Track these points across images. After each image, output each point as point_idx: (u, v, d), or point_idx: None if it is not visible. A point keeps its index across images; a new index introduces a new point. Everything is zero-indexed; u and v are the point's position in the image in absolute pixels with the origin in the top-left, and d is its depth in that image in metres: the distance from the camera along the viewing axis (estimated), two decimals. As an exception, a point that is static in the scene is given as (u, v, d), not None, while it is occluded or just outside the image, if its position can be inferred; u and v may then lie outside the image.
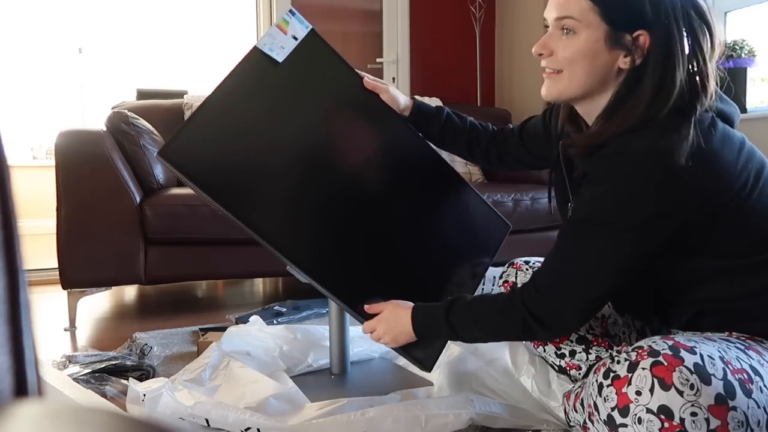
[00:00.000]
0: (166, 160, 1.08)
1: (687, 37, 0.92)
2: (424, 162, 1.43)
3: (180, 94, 2.92)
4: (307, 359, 1.48)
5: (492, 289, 1.55)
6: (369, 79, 1.32)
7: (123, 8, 5.81)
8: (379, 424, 1.11)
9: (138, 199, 2.09)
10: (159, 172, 2.23)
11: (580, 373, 1.24)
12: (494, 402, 1.20)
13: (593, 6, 0.93)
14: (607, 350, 1.21)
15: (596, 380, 0.85)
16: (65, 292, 2.05)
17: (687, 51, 0.92)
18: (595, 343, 1.22)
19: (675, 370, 0.75)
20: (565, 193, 1.11)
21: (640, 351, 0.80)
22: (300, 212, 1.22)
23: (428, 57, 3.67)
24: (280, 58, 1.24)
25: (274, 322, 1.96)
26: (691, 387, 0.74)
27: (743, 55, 3.31)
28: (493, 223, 1.52)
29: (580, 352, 1.23)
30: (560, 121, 1.14)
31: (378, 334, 1.15)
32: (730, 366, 0.78)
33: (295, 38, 1.26)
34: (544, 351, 1.28)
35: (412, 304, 1.15)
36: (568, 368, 1.25)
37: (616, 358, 0.84)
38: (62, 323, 2.09)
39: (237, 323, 1.84)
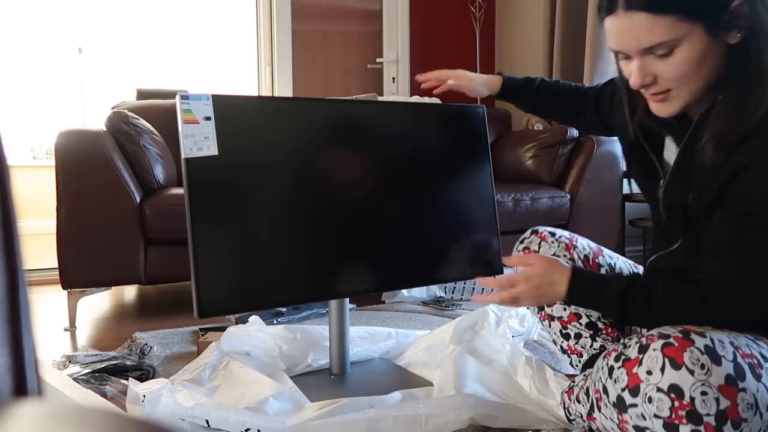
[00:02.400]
0: (210, 316, 1.17)
1: None
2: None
3: (180, 94, 2.91)
4: (307, 359, 1.48)
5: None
6: (432, 76, 1.38)
7: (123, 8, 5.81)
8: (379, 424, 1.11)
9: (138, 199, 2.09)
10: (159, 172, 2.23)
11: (580, 361, 1.21)
12: (494, 402, 1.21)
13: (677, 17, 0.84)
14: (613, 341, 1.19)
15: (606, 364, 0.85)
16: (65, 292, 2.05)
17: None
18: (604, 332, 1.19)
19: (686, 350, 0.75)
20: (652, 171, 1.04)
21: (650, 336, 0.81)
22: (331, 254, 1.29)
23: (428, 57, 3.67)
24: (214, 150, 1.16)
25: (274, 322, 1.96)
26: (702, 366, 0.74)
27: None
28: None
29: (585, 337, 1.19)
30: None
31: (520, 292, 1.01)
32: (740, 350, 0.78)
33: (208, 118, 1.17)
34: (550, 326, 1.24)
35: (563, 264, 1.03)
36: (569, 351, 1.22)
37: (627, 344, 0.84)
38: (62, 323, 2.09)
39: (237, 323, 1.84)
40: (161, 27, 5.87)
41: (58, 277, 2.00)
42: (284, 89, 3.44)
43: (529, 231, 1.31)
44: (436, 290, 2.41)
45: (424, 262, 1.43)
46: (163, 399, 1.18)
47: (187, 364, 1.46)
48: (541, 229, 1.30)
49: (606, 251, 1.29)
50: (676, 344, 0.76)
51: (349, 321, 1.45)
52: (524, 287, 1.02)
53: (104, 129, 2.17)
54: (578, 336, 1.21)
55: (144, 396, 1.20)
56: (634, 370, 0.79)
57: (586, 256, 1.23)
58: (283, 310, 2.07)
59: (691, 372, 0.74)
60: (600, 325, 1.19)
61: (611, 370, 0.84)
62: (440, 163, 1.47)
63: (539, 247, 1.27)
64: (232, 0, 5.59)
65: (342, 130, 1.37)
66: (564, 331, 1.22)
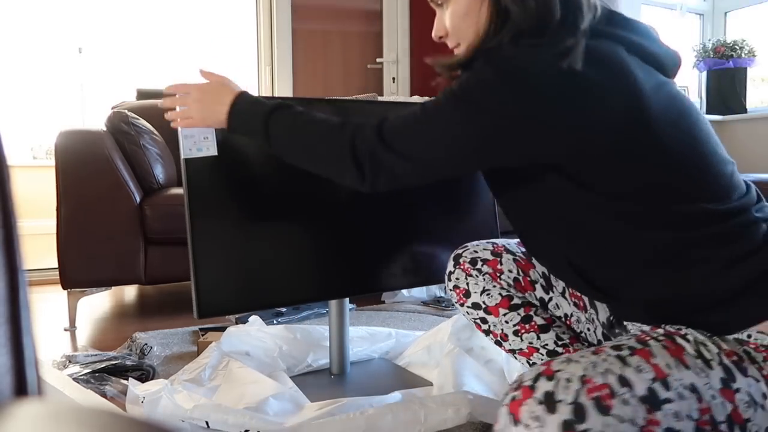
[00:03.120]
0: (210, 316, 1.17)
1: None
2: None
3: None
4: (307, 359, 1.48)
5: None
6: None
7: (123, 8, 5.82)
8: (378, 422, 1.11)
9: (138, 199, 2.09)
10: (159, 172, 2.23)
11: None
12: (492, 399, 1.21)
13: None
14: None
15: None
16: (65, 292, 2.05)
17: None
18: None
19: (524, 404, 0.72)
20: None
21: (522, 380, 0.77)
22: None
23: (428, 57, 3.66)
24: (214, 150, 1.18)
25: (274, 322, 1.96)
26: (536, 419, 0.71)
27: (743, 55, 3.31)
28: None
29: None
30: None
31: (191, 100, 1.11)
32: (588, 384, 0.73)
33: None
34: (516, 358, 1.20)
35: (236, 88, 1.12)
36: None
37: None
38: (62, 323, 2.09)
39: (237, 323, 1.84)
40: (161, 27, 5.87)
41: (58, 277, 2.00)
42: (284, 89, 3.44)
43: (452, 260, 1.19)
44: (436, 290, 2.42)
45: (424, 262, 1.43)
46: (163, 401, 1.18)
47: (187, 364, 1.46)
48: (462, 257, 1.18)
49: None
50: (521, 397, 0.73)
51: (349, 321, 1.45)
52: (196, 94, 1.11)
53: (104, 129, 2.18)
54: None
55: (143, 398, 1.20)
56: (496, 428, 0.77)
57: (515, 279, 1.15)
58: (283, 310, 2.07)
59: (527, 426, 0.71)
60: (560, 350, 1.14)
61: None
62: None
63: (468, 285, 1.17)
64: (232, 0, 5.59)
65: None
66: (531, 362, 1.17)
